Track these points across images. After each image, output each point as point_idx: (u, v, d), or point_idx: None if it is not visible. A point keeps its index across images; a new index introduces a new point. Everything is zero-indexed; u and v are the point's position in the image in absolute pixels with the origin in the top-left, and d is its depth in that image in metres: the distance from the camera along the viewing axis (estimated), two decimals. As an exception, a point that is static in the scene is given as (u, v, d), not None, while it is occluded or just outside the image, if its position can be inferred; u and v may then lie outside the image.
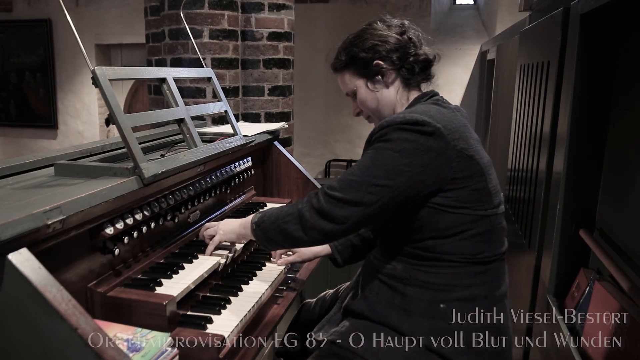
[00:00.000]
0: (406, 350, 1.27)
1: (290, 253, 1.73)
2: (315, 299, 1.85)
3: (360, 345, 1.31)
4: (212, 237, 1.58)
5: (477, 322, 1.29)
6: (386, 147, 1.24)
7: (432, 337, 1.27)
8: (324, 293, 1.84)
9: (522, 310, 1.95)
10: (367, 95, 1.44)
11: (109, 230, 1.26)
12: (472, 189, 1.26)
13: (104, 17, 7.01)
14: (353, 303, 1.41)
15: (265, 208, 1.99)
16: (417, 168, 1.21)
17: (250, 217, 1.46)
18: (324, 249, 1.71)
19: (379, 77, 1.41)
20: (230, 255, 1.60)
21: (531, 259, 1.88)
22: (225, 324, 1.34)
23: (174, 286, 1.34)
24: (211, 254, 1.56)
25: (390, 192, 1.22)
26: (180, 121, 1.64)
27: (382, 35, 1.39)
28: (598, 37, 1.50)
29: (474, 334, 1.28)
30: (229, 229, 1.56)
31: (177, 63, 3.29)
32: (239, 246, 1.66)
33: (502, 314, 1.33)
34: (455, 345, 1.26)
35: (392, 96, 1.42)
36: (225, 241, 1.58)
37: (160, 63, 3.48)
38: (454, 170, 1.24)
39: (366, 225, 1.40)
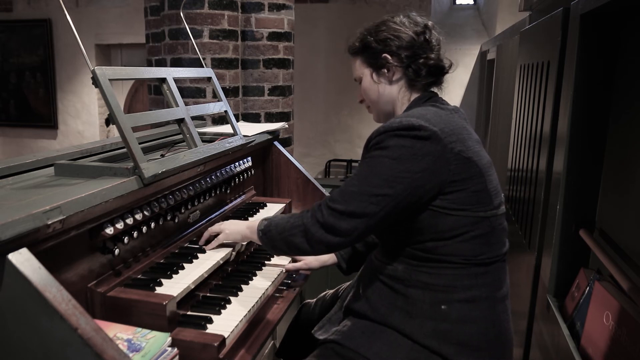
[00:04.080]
0: (408, 350, 1.28)
1: (297, 260, 1.75)
2: (315, 299, 1.85)
3: (362, 345, 1.31)
4: (216, 234, 1.60)
5: (478, 323, 1.29)
6: (383, 155, 1.24)
7: (434, 338, 1.27)
8: (324, 293, 1.84)
9: (522, 311, 1.95)
10: (369, 86, 1.44)
11: (109, 230, 1.26)
12: (471, 191, 1.26)
13: (104, 17, 7.00)
14: (354, 303, 1.41)
15: (271, 215, 1.99)
16: (416, 174, 1.21)
17: (257, 223, 1.48)
18: (330, 258, 1.74)
19: (385, 70, 1.41)
20: (234, 253, 1.61)
21: (531, 259, 1.88)
22: (225, 324, 1.34)
23: (174, 286, 1.34)
24: (213, 249, 1.58)
25: (391, 200, 1.22)
26: (180, 121, 1.64)
27: (397, 30, 1.38)
28: (598, 37, 1.50)
29: (475, 335, 1.28)
30: (235, 230, 1.58)
31: (177, 63, 3.29)
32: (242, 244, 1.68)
33: (503, 315, 1.34)
34: (457, 346, 1.27)
35: (394, 93, 1.42)
36: (229, 241, 1.60)
37: (160, 63, 3.49)
38: (452, 172, 1.24)
39: (371, 234, 1.42)
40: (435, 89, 1.46)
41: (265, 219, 1.46)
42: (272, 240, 1.40)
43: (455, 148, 1.24)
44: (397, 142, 1.23)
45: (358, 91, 1.51)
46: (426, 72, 1.39)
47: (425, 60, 1.38)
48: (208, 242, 1.62)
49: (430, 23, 1.42)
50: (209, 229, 1.63)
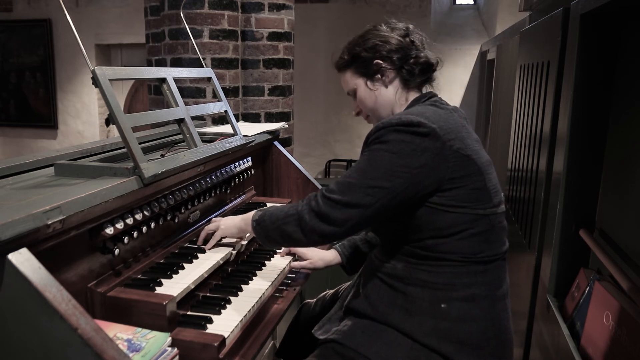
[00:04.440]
0: (408, 349, 1.28)
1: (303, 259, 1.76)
2: (315, 299, 1.85)
3: (363, 344, 1.32)
4: (213, 232, 1.61)
5: (478, 321, 1.29)
6: (383, 149, 1.25)
7: (433, 337, 1.27)
8: (324, 293, 1.84)
9: (522, 311, 1.95)
10: (366, 94, 1.46)
11: (109, 230, 1.26)
12: (470, 189, 1.27)
13: (104, 17, 7.00)
14: (355, 302, 1.41)
15: (266, 207, 1.99)
16: (414, 169, 1.22)
17: (251, 213, 1.49)
18: (334, 258, 1.74)
19: (379, 76, 1.43)
20: (234, 252, 1.61)
21: (531, 259, 1.88)
22: (225, 324, 1.34)
23: (174, 286, 1.34)
24: (212, 248, 1.59)
25: (387, 193, 1.23)
26: (180, 121, 1.64)
27: (384, 36, 1.42)
28: (598, 37, 1.50)
29: (475, 333, 1.28)
30: (230, 224, 1.59)
31: (177, 63, 3.29)
32: (243, 242, 1.68)
33: (502, 313, 1.34)
34: (457, 345, 1.27)
35: (391, 96, 1.44)
36: (226, 236, 1.61)
37: (160, 63, 3.49)
38: (451, 170, 1.24)
39: (366, 227, 1.42)
40: (430, 88, 1.48)
41: (259, 210, 1.47)
42: (266, 230, 1.41)
43: (454, 145, 1.25)
44: (397, 137, 1.24)
45: (353, 104, 1.53)
46: (419, 70, 1.42)
47: (416, 59, 1.42)
48: (206, 241, 1.62)
49: (410, 26, 1.46)
50: (206, 227, 1.64)
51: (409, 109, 1.37)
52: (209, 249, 1.59)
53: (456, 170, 1.25)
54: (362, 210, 1.24)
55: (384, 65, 1.41)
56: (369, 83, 1.45)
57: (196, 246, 1.61)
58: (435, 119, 1.26)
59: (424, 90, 1.48)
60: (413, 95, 1.44)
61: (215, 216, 1.86)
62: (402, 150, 1.23)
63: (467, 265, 1.29)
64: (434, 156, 1.23)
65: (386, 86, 1.43)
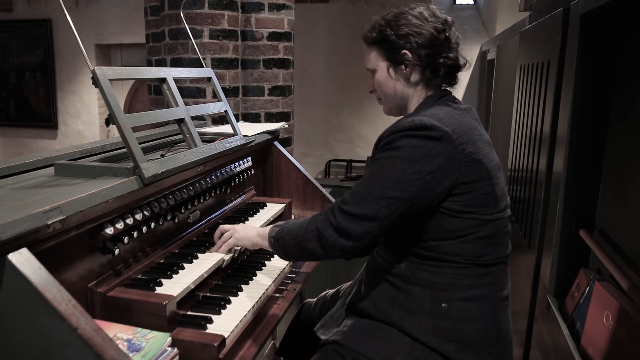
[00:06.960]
0: (408, 348, 1.28)
1: None
2: (315, 299, 1.85)
3: (363, 344, 1.32)
4: (226, 231, 1.59)
5: (478, 321, 1.29)
6: (395, 156, 1.23)
7: (433, 336, 1.27)
8: (324, 293, 1.84)
9: (522, 310, 1.95)
10: (385, 80, 1.41)
11: (109, 230, 1.26)
12: (480, 193, 1.26)
13: (104, 17, 7.01)
14: (356, 300, 1.42)
15: (271, 214, 1.98)
16: (427, 175, 1.20)
17: (267, 230, 1.46)
18: None
19: (403, 67, 1.37)
20: (230, 255, 1.60)
21: (531, 259, 1.88)
22: (225, 324, 1.34)
23: (174, 286, 1.34)
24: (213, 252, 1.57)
25: (403, 204, 1.22)
26: (180, 121, 1.64)
27: (418, 26, 1.33)
28: (598, 37, 1.50)
29: (475, 333, 1.28)
30: (245, 236, 1.55)
31: (177, 63, 3.29)
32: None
33: (503, 314, 1.34)
34: (457, 344, 1.27)
35: (409, 90, 1.40)
36: (238, 246, 1.59)
37: (160, 63, 3.48)
38: (463, 174, 1.23)
39: (383, 237, 1.40)
40: (449, 87, 1.44)
41: (276, 226, 1.44)
42: (285, 247, 1.38)
43: (466, 149, 1.23)
44: (408, 142, 1.22)
45: (368, 80, 1.47)
46: (444, 72, 1.36)
47: (445, 60, 1.35)
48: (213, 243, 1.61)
49: (449, 19, 1.39)
50: (223, 227, 1.61)
51: (422, 109, 1.33)
52: (216, 252, 1.57)
53: (467, 174, 1.24)
54: (379, 223, 1.23)
55: (410, 58, 1.35)
56: (391, 70, 1.39)
57: (196, 246, 1.61)
58: (449, 121, 1.24)
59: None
60: (430, 92, 1.40)
61: (216, 216, 1.86)
62: (413, 156, 1.21)
63: (469, 267, 1.28)
64: (446, 160, 1.21)
65: (407, 79, 1.38)
